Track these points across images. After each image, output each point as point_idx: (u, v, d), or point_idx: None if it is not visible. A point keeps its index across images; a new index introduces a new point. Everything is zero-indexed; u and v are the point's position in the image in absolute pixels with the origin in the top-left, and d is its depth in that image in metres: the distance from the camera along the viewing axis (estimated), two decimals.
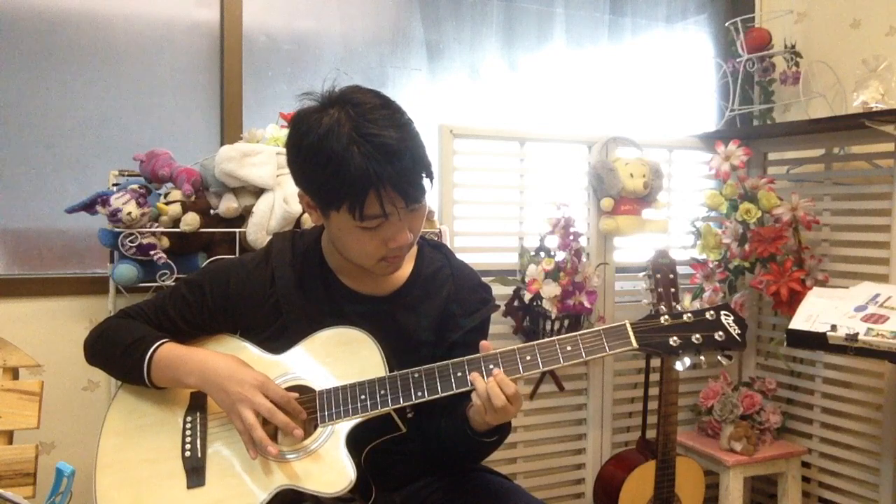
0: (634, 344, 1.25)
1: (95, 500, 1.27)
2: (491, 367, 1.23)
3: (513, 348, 1.26)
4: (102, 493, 1.27)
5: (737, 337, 1.26)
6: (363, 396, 1.24)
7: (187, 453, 1.28)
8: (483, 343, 1.26)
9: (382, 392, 1.24)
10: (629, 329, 1.25)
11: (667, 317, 1.27)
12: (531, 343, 1.26)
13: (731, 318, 1.28)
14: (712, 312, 1.28)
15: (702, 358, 1.29)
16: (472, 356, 1.25)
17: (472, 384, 1.22)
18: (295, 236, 1.43)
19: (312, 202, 1.29)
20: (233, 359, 1.29)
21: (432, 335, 1.38)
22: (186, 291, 1.38)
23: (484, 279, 1.50)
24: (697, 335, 1.26)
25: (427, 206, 1.32)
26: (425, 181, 1.24)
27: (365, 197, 1.18)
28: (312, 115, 1.23)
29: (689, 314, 1.28)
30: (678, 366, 1.30)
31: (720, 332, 1.26)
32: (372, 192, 1.17)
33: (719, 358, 1.29)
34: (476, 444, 1.31)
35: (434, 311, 1.39)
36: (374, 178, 1.16)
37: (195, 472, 1.26)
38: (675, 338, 1.26)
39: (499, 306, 1.53)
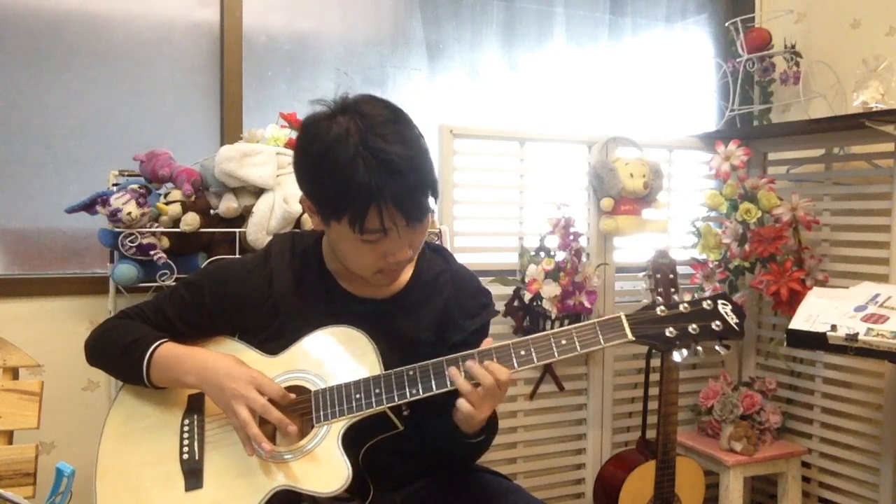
0: (629, 335, 1.23)
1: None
2: (486, 362, 1.23)
3: (507, 343, 1.25)
4: (102, 498, 1.27)
5: (735, 326, 1.24)
6: (358, 395, 1.24)
7: (185, 456, 1.28)
8: (486, 340, 1.26)
9: (377, 390, 1.24)
10: (624, 321, 1.24)
11: (663, 308, 1.26)
12: (525, 338, 1.25)
13: (729, 307, 1.26)
14: (709, 302, 1.26)
15: (699, 348, 1.26)
16: (467, 352, 1.25)
17: (451, 381, 1.21)
18: (295, 237, 1.43)
19: (314, 207, 1.28)
20: (231, 358, 1.29)
21: (432, 337, 1.38)
22: (185, 292, 1.38)
23: (484, 279, 1.50)
24: (694, 325, 1.24)
25: (430, 221, 1.32)
26: (429, 199, 1.23)
27: (366, 211, 1.17)
28: (322, 122, 1.22)
29: (686, 304, 1.26)
30: (675, 356, 1.28)
31: (717, 322, 1.24)
32: (373, 207, 1.16)
33: (717, 347, 1.27)
34: (466, 445, 1.31)
35: (434, 315, 1.39)
36: (377, 193, 1.15)
37: (193, 475, 1.26)
38: (671, 328, 1.24)
39: (498, 311, 1.53)
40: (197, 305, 1.36)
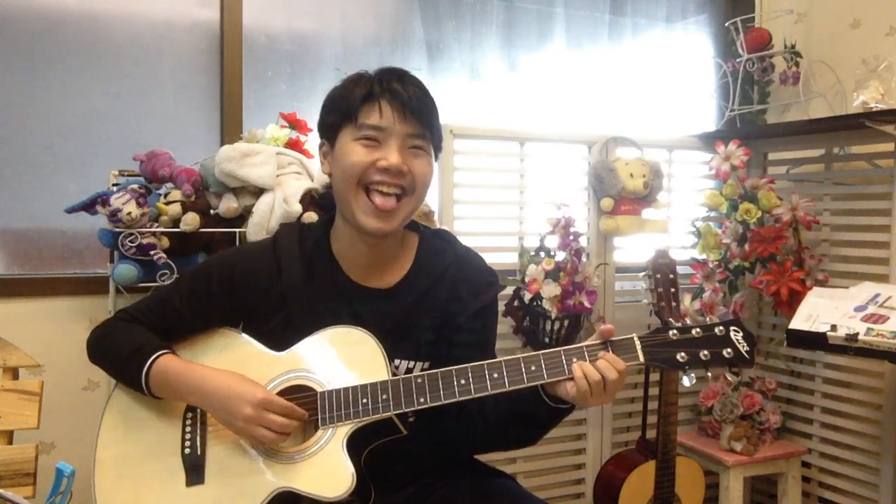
0: (641, 358, 1.23)
1: (94, 495, 1.27)
2: (495, 375, 1.23)
3: (517, 357, 1.24)
4: (101, 489, 1.27)
5: (745, 354, 1.24)
6: (365, 400, 1.24)
7: (187, 450, 1.28)
8: (605, 329, 1.24)
9: (384, 396, 1.24)
10: (637, 343, 1.24)
11: (675, 331, 1.25)
12: (536, 353, 1.24)
13: (741, 334, 1.26)
14: (721, 328, 1.26)
15: (709, 374, 1.27)
16: (475, 364, 1.24)
17: (571, 372, 1.21)
18: (302, 229, 1.43)
19: (327, 142, 1.36)
20: (230, 375, 1.28)
21: (436, 321, 1.38)
22: (191, 280, 1.39)
23: None
24: (705, 351, 1.24)
25: (431, 169, 1.35)
26: (431, 125, 1.32)
27: (366, 104, 1.28)
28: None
29: (698, 329, 1.26)
30: (685, 381, 1.28)
31: (728, 349, 1.24)
32: (374, 100, 1.28)
33: (727, 375, 1.28)
34: (553, 412, 1.28)
35: (439, 300, 1.39)
36: (379, 89, 1.29)
37: (194, 470, 1.26)
38: (682, 353, 1.24)
39: (504, 286, 1.53)
40: (205, 294, 1.36)
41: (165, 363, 1.30)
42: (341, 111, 1.31)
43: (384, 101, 1.28)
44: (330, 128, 1.34)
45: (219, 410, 1.25)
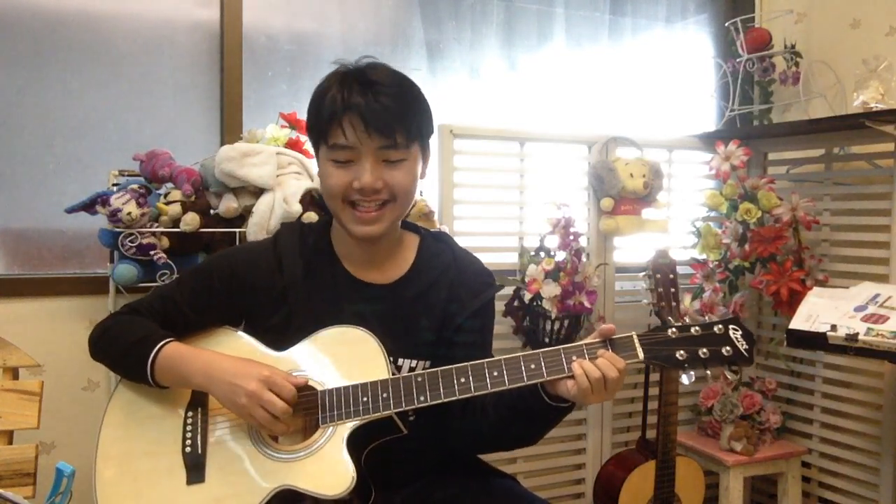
0: (640, 356, 1.23)
1: (95, 492, 1.27)
2: (495, 373, 1.23)
3: (517, 356, 1.24)
4: (102, 486, 1.27)
5: (744, 352, 1.24)
6: (365, 398, 1.24)
7: (188, 449, 1.28)
8: (605, 327, 1.24)
9: (385, 395, 1.24)
10: (636, 341, 1.24)
11: (674, 329, 1.25)
12: (536, 352, 1.25)
13: (740, 332, 1.26)
14: (720, 326, 1.26)
15: (708, 372, 1.27)
16: (476, 363, 1.24)
17: (570, 371, 1.21)
18: (304, 227, 1.44)
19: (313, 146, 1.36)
20: (238, 357, 1.29)
21: (436, 321, 1.39)
22: (193, 278, 1.39)
23: None
24: (704, 350, 1.24)
25: (412, 175, 1.33)
26: (408, 130, 1.27)
27: (332, 124, 1.26)
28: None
29: (697, 327, 1.26)
30: (684, 379, 1.29)
31: (728, 347, 1.24)
32: (341, 119, 1.25)
33: (726, 373, 1.28)
34: (553, 410, 1.28)
35: (438, 299, 1.39)
36: (342, 107, 1.24)
37: (195, 468, 1.26)
38: (681, 351, 1.24)
39: (501, 287, 1.53)
40: (206, 292, 1.36)
41: (173, 348, 1.30)
42: (315, 130, 1.31)
43: (346, 119, 1.25)
44: (312, 141, 1.36)
45: (224, 389, 1.25)
